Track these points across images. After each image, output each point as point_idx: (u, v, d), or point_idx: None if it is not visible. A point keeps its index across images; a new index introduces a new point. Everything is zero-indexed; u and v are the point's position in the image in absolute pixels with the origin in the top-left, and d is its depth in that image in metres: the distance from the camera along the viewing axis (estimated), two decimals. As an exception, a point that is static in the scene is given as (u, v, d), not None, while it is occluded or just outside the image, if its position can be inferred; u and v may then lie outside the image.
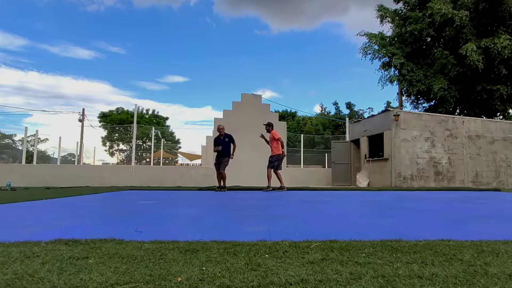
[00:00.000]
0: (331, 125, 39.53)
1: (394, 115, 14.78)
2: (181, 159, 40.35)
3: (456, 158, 15.39)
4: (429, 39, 22.89)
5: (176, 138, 52.88)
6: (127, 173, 15.68)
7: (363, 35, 24.11)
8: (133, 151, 17.69)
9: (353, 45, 73.36)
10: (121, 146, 50.14)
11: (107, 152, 49.85)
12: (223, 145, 10.41)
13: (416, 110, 24.50)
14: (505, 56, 19.23)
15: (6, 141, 43.29)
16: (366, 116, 29.45)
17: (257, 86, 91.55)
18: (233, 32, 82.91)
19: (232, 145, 10.66)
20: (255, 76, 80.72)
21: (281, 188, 10.42)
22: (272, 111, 17.13)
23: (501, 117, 23.44)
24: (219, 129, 10.60)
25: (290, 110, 40.90)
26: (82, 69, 75.66)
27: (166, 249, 2.38)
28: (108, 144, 49.96)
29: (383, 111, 16.48)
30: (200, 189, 10.70)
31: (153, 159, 25.84)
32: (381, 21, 24.31)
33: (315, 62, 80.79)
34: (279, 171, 10.56)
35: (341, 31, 77.71)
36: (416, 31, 21.25)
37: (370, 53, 23.81)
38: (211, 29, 79.94)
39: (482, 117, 20.65)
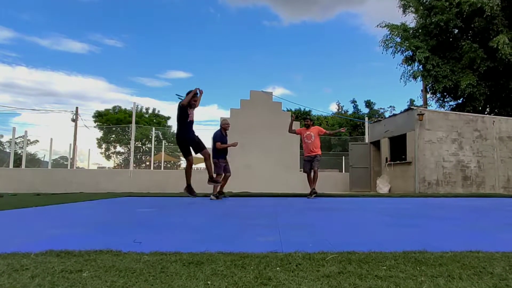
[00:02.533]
0: (349, 125, 39.37)
1: (418, 115, 14.69)
2: (184, 163, 40.37)
3: (486, 161, 15.26)
4: (457, 30, 22.73)
5: (179, 139, 52.86)
6: (125, 178, 15.77)
7: (383, 27, 24.04)
8: (132, 153, 17.78)
9: (372, 37, 73.15)
10: (118, 149, 50.48)
11: (103, 155, 50.24)
12: (226, 143, 10.11)
13: (442, 109, 24.37)
14: (541, 49, 19.05)
15: (-8, 143, 43.75)
16: (387, 116, 29.32)
17: (267, 82, 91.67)
18: (239, 23, 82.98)
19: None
20: (264, 71, 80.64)
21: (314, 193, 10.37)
22: (284, 110, 17.14)
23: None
24: (226, 124, 10.29)
25: (304, 109, 40.72)
26: (75, 64, 76.10)
27: (168, 262, 2.37)
28: (104, 146, 50.33)
29: (406, 110, 16.40)
30: (205, 195, 10.71)
31: (154, 163, 25.93)
32: (404, 11, 24.24)
33: (330, 57, 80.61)
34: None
35: (358, 22, 77.47)
36: (442, 22, 21.10)
37: (391, 46, 23.72)
38: (215, 20, 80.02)
39: (516, 117, 20.50)
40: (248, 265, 2.29)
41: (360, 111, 41.82)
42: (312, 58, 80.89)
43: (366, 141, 19.63)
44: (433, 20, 21.42)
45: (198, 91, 8.52)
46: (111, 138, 50.22)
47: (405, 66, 24.42)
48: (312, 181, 10.40)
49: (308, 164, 10.46)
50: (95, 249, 2.71)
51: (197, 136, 8.64)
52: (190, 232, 3.95)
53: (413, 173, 14.74)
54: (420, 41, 22.32)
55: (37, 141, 40.11)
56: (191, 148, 8.52)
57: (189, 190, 8.73)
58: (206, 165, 8.68)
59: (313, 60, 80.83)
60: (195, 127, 8.69)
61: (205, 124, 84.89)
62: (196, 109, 8.59)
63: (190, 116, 8.42)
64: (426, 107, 22.64)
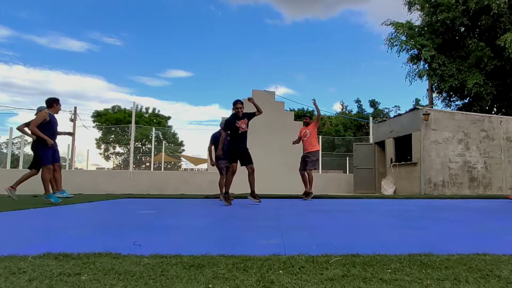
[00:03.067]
0: (353, 126, 39.36)
1: (423, 114, 14.67)
2: (184, 164, 40.45)
3: (493, 162, 15.23)
4: (463, 29, 22.71)
5: (179, 140, 53.06)
6: (125, 179, 15.76)
7: (388, 25, 24.02)
8: (131, 154, 17.78)
9: (377, 35, 72.77)
10: (118, 149, 50.48)
11: (102, 155, 50.24)
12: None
13: (448, 109, 24.34)
14: (550, 48, 19.00)
15: (-11, 144, 43.74)
16: (392, 116, 29.32)
17: (269, 82, 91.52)
18: (241, 21, 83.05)
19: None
20: (266, 70, 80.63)
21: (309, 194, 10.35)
22: (287, 110, 17.13)
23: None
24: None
25: (307, 109, 40.68)
26: (73, 63, 76.19)
27: (168, 264, 2.37)
28: (103, 146, 50.36)
29: (411, 110, 16.39)
30: (207, 197, 10.72)
31: (154, 164, 25.92)
32: (409, 9, 24.24)
33: (334, 55, 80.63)
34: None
35: (362, 20, 77.38)
36: (448, 20, 21.09)
37: (396, 45, 23.72)
38: (216, 18, 80.00)
39: (524, 116, 20.45)
40: (250, 268, 2.29)
41: (365, 111, 41.78)
42: (316, 57, 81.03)
43: (371, 141, 19.60)
44: (439, 18, 21.41)
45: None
46: (110, 139, 50.23)
47: (411, 65, 24.45)
48: (306, 182, 10.41)
49: (303, 163, 10.47)
50: (94, 251, 2.71)
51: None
52: (191, 234, 3.96)
53: (418, 174, 14.72)
54: (426, 40, 22.30)
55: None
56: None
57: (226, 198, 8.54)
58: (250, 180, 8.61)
59: (316, 59, 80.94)
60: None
61: (206, 124, 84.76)
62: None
63: (240, 127, 8.44)
64: (432, 107, 22.63)
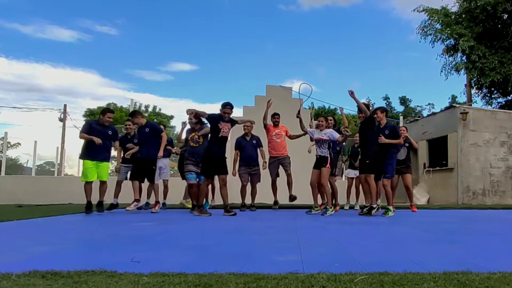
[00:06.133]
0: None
1: (461, 113, 14.57)
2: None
3: (542, 168, 15.06)
4: (506, 16, 22.48)
5: (184, 142, 52.94)
6: (122, 187, 15.73)
7: (421, 11, 23.85)
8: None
9: (406, 23, 72.07)
10: (114, 153, 50.59)
11: (96, 160, 50.30)
12: (247, 148, 10.08)
13: (489, 107, 24.11)
14: None
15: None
16: (425, 115, 29.19)
17: (284, 76, 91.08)
18: (251, 7, 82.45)
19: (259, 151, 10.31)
20: (281, 63, 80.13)
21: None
22: (305, 108, 17.06)
23: None
24: (246, 126, 10.20)
25: (329, 107, 40.56)
26: (62, 55, 76.21)
27: (171, 284, 2.38)
28: (96, 150, 50.47)
29: (447, 108, 16.31)
30: (214, 207, 10.73)
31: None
32: (445, -7, 24.06)
33: (357, 46, 79.87)
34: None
35: (389, 6, 76.82)
36: (489, 5, 20.90)
37: (430, 34, 23.53)
38: (224, 5, 79.50)
39: None
40: (264, 288, 2.30)
41: (394, 109, 41.57)
42: (337, 47, 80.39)
43: (401, 144, 19.48)
44: (478, 4, 21.23)
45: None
46: (105, 141, 50.37)
47: (446, 56, 24.24)
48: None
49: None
50: (86, 269, 2.71)
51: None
52: (196, 250, 3.96)
53: (455, 181, 14.61)
54: (464, 28, 22.10)
55: (19, 144, 39.53)
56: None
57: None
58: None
59: (337, 50, 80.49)
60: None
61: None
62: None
63: (222, 130, 8.41)
64: (471, 105, 22.42)
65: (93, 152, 8.59)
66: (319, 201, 9.49)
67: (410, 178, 10.25)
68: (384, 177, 8.64)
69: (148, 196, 10.51)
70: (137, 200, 9.07)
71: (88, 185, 8.80)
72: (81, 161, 9.22)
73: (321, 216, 8.30)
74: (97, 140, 8.23)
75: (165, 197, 10.92)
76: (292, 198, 10.18)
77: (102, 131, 8.67)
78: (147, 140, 9.08)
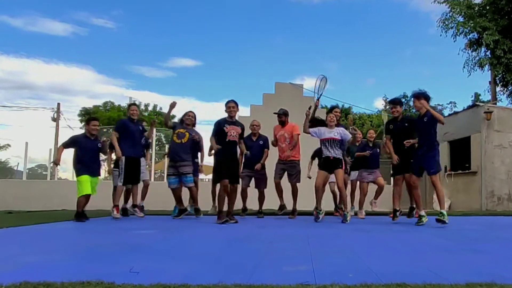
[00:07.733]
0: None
1: (485, 112, 14.51)
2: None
3: None
4: (534, 7, 22.42)
5: (186, 143, 53.02)
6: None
7: (442, 2, 23.67)
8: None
9: (425, 15, 71.03)
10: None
11: (92, 163, 50.36)
12: (252, 149, 9.70)
13: (516, 106, 24.02)
14: None
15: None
16: (446, 114, 29.04)
17: (294, 72, 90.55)
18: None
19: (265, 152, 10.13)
20: (290, 59, 79.28)
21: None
22: (321, 107, 17.03)
23: None
24: (253, 125, 10.19)
25: (343, 105, 40.50)
26: (55, 50, 75.54)
27: (173, 295, 2.39)
28: (92, 152, 50.56)
29: (469, 107, 16.26)
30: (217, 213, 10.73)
31: (154, 173, 25.99)
32: (467, -17, 23.96)
33: (372, 40, 78.98)
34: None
35: (406, -4, 76.03)
36: (516, -4, 20.86)
37: (452, 27, 23.41)
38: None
39: None
40: (273, 300, 2.30)
41: (413, 108, 41.39)
42: (350, 42, 79.44)
43: (420, 145, 19.44)
44: (504, -6, 21.18)
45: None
46: (102, 142, 50.47)
47: (469, 51, 24.10)
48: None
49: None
50: (81, 280, 2.70)
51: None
52: (199, 260, 3.96)
53: (479, 185, 14.55)
54: (488, 21, 22.00)
55: (9, 145, 39.29)
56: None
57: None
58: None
59: (351, 45, 79.69)
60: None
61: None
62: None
63: (229, 133, 8.21)
64: (496, 103, 22.30)
65: (87, 167, 8.87)
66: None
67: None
68: (430, 174, 8.16)
69: (135, 199, 10.57)
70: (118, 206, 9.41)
71: (83, 197, 8.83)
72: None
73: (334, 223, 8.30)
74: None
75: (143, 198, 10.90)
76: (281, 207, 10.06)
77: (91, 146, 8.93)
78: (140, 137, 9.19)
